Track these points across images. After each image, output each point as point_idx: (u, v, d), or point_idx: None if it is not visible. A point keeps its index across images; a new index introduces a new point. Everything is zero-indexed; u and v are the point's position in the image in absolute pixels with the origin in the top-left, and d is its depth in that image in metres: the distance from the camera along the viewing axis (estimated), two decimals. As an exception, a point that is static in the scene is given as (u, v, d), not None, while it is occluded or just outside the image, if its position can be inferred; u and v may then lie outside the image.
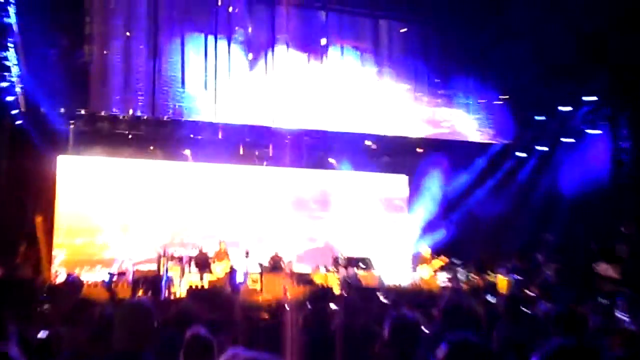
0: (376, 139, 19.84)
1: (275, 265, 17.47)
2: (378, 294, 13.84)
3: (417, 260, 18.65)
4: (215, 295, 13.07)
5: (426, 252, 18.13)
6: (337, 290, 16.43)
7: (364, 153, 20.15)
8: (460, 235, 19.29)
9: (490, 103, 20.13)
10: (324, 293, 14.84)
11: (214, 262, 16.76)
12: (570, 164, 19.13)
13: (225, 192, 20.07)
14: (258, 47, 18.82)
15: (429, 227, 20.22)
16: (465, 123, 20.45)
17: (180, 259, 17.18)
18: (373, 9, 19.92)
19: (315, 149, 20.11)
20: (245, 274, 17.12)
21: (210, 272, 16.61)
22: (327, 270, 17.58)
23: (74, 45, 16.67)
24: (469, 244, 19.10)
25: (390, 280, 18.01)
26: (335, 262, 17.84)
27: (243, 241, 19.68)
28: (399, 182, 21.99)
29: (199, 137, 18.65)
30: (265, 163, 20.21)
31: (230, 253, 17.50)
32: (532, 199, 19.62)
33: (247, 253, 17.45)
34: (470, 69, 19.84)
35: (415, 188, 21.30)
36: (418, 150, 20.15)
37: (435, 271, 17.70)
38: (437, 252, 18.20)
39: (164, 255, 17.23)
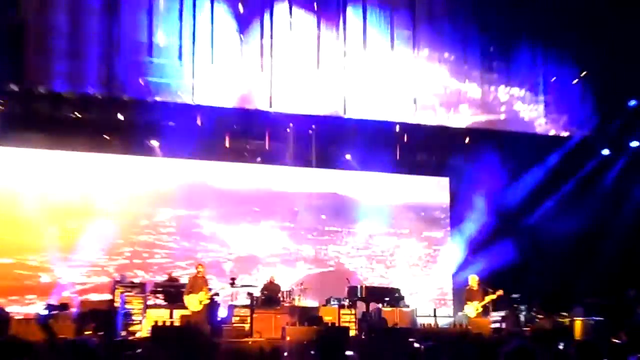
0: (408, 128, 19.72)
1: (270, 297, 17.37)
2: (409, 337, 13.80)
3: (463, 293, 18.52)
4: (189, 336, 13.05)
5: (474, 282, 18.01)
6: (353, 332, 16.44)
7: (391, 148, 20.06)
8: (522, 261, 19.15)
9: (564, 81, 20.01)
10: (336, 335, 14.80)
11: (188, 292, 16.70)
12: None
13: (204, 198, 20.04)
14: (251, 5, 18.70)
15: (479, 249, 20.14)
16: (529, 108, 20.34)
17: (143, 287, 17.11)
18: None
19: (326, 141, 20.05)
20: (230, 308, 17.04)
21: (183, 304, 16.57)
22: (341, 305, 17.49)
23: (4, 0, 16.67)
24: (533, 272, 18.93)
25: (425, 320, 17.92)
26: (352, 293, 17.76)
27: (227, 263, 19.74)
28: (438, 187, 21.96)
29: (171, 123, 18.61)
30: (259, 160, 20.24)
31: (209, 279, 17.45)
32: (623, 212, 19.55)
33: (232, 280, 17.39)
34: (537, 36, 19.71)
35: (459, 195, 21.25)
36: (464, 143, 20.06)
37: (485, 308, 17.62)
38: (489, 282, 18.08)
39: (121, 282, 17.19)
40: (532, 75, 20.28)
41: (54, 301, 16.98)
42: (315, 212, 21.03)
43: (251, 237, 20.20)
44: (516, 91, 20.33)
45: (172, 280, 18.04)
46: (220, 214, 20.15)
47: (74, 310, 16.45)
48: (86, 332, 15.10)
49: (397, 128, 19.70)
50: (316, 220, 21.05)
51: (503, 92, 20.26)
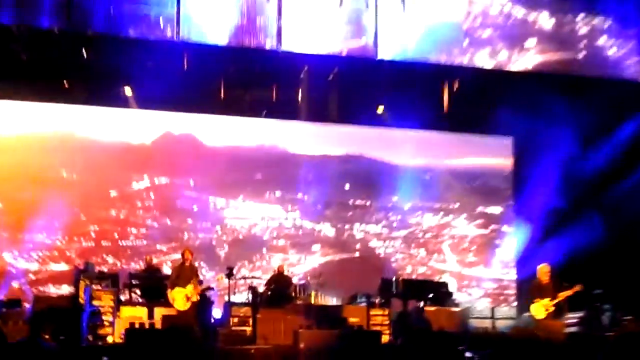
0: (458, 72, 19.68)
1: (278, 292, 17.56)
2: (459, 345, 13.98)
3: (529, 287, 18.59)
4: (174, 342, 13.23)
5: (545, 273, 18.07)
6: (386, 337, 16.65)
7: (436, 98, 20.04)
8: (607, 246, 19.20)
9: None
10: (363, 340, 14.95)
11: (172, 285, 16.83)
12: None
13: (192, 162, 20.29)
14: None
15: (551, 230, 20.15)
16: (616, 44, 20.27)
17: (114, 278, 17.38)
18: None
19: (351, 89, 20.00)
20: (227, 307, 17.23)
21: (167, 301, 16.73)
22: (370, 303, 17.71)
23: None
24: (620, 261, 19.10)
25: (480, 322, 18.16)
26: (385, 287, 17.92)
27: (223, 249, 19.96)
28: (499, 149, 22.09)
29: (149, 64, 18.68)
30: (264, 113, 20.33)
31: (201, 269, 17.64)
32: None
33: (229, 270, 17.47)
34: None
35: (526, 160, 21.30)
36: (532, 90, 19.96)
37: (559, 307, 17.68)
38: (563, 274, 18.13)
39: (85, 271, 17.40)
40: (622, 2, 20.15)
41: (1, 295, 17.24)
42: (336, 180, 21.14)
43: (253, 212, 20.41)
44: (600, 22, 20.19)
45: (152, 269, 18.16)
46: (213, 183, 20.41)
47: (27, 306, 16.70)
48: (43, 337, 15.33)
49: (444, 72, 19.62)
50: (337, 191, 21.21)
51: (583, 23, 20.15)
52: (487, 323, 18.23)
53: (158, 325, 15.98)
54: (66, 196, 19.12)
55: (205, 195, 20.35)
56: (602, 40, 20.16)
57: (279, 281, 17.85)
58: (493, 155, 22.03)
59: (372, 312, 17.35)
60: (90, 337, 15.93)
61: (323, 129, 20.94)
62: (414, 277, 18.52)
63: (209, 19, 18.17)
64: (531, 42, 19.86)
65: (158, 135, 20.21)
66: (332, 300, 18.16)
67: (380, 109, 20.45)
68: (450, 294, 18.09)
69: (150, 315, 16.63)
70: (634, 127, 19.92)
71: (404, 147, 21.28)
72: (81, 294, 16.64)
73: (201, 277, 17.15)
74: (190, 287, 16.22)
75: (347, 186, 21.26)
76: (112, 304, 16.66)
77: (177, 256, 17.45)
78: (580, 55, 20.04)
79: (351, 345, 13.68)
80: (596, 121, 19.74)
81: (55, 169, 19.40)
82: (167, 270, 17.85)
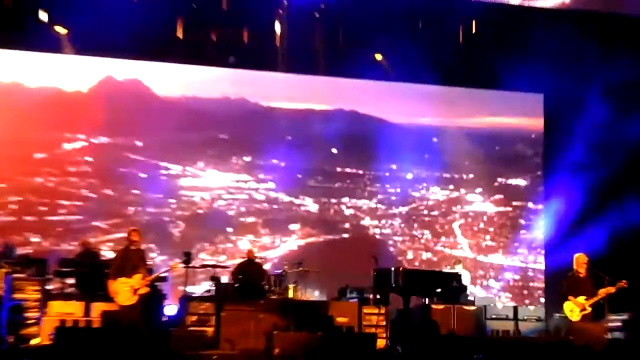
0: (476, 10, 19.73)
1: (248, 284, 17.62)
2: (474, 352, 14.09)
3: (562, 281, 18.71)
4: (117, 343, 13.26)
5: (581, 264, 18.20)
6: (382, 341, 16.75)
7: (448, 43, 20.12)
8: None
9: None
10: (354, 345, 14.99)
11: (115, 273, 16.82)
12: None
13: (140, 118, 20.35)
14: None
15: (590, 210, 20.22)
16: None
17: (41, 264, 17.36)
18: None
19: (343, 30, 20.10)
20: (183, 302, 17.30)
21: (108, 294, 16.72)
22: (363, 298, 17.77)
23: None
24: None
25: (499, 324, 18.20)
26: (382, 279, 18.00)
27: (179, 227, 20.01)
28: (525, 108, 22.16)
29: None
30: (232, 60, 20.33)
31: (150, 254, 17.66)
32: None
33: (186, 255, 17.47)
34: None
35: (559, 121, 21.41)
36: (568, 35, 20.00)
37: (598, 307, 17.76)
38: (604, 266, 18.21)
39: (5, 254, 17.32)
40: None
41: None
42: (321, 142, 21.20)
43: (216, 182, 20.49)
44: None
45: (89, 252, 18.15)
46: (166, 144, 20.42)
47: None
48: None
49: (459, 9, 19.63)
50: (323, 156, 21.32)
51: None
52: (508, 325, 18.26)
53: (96, 324, 15.93)
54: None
55: (155, 159, 20.26)
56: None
57: (249, 270, 17.87)
58: (518, 114, 22.09)
59: (365, 310, 17.48)
60: (10, 338, 15.81)
61: (307, 81, 20.88)
62: (417, 267, 18.45)
63: None
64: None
65: (97, 84, 20.06)
66: (315, 295, 18.23)
67: (379, 57, 20.41)
68: (463, 289, 18.14)
69: (87, 311, 16.57)
70: None
71: (407, 103, 21.34)
72: (-1, 284, 16.64)
73: (150, 264, 17.15)
74: (137, 277, 15.90)
75: (334, 150, 21.23)
76: (38, 296, 16.66)
77: (121, 236, 17.38)
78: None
79: (338, 352, 13.74)
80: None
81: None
82: (108, 254, 17.76)
